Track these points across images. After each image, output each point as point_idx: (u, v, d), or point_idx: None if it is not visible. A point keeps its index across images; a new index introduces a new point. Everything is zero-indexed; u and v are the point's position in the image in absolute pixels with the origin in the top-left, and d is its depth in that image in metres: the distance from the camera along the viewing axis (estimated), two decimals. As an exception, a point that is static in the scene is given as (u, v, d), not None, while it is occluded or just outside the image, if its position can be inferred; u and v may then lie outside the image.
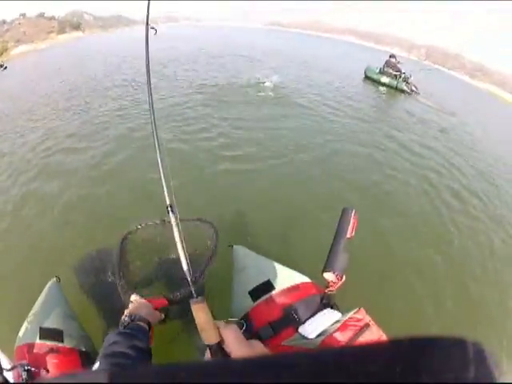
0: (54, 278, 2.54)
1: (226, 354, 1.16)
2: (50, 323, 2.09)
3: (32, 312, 2.19)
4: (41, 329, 2.02)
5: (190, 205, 4.26)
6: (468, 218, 5.21)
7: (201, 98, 9.24)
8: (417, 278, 3.79)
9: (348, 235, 1.63)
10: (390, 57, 14.36)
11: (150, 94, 1.76)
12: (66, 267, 3.31)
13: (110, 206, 4.51)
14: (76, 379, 0.38)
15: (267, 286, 2.03)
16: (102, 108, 8.32)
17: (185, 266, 1.47)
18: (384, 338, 1.53)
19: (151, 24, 1.96)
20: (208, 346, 1.19)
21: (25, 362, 1.75)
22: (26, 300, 2.34)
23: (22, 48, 42.99)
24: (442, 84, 25.39)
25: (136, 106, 8.37)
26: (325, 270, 1.61)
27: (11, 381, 1.66)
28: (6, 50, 42.57)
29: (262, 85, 10.83)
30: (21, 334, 2.05)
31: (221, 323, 1.20)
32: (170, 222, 2.41)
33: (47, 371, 1.77)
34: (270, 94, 10.04)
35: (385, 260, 3.96)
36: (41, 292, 2.37)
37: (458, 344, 0.30)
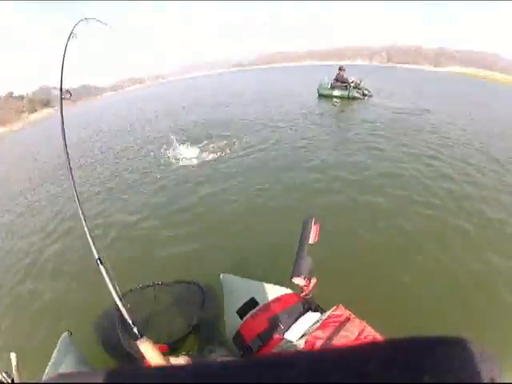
0: (66, 333, 2.67)
1: None
2: (67, 369, 2.19)
3: (50, 363, 2.30)
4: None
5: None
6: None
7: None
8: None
9: (311, 241, 1.78)
10: (339, 69, 14.82)
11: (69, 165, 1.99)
12: (75, 324, 3.44)
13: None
14: (75, 379, 0.39)
15: (252, 303, 2.20)
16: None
17: (123, 309, 1.65)
18: (368, 328, 1.67)
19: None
20: None
21: None
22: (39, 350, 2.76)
23: None
24: (403, 80, 25.92)
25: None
26: (292, 275, 1.74)
27: None
28: None
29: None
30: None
31: (170, 358, 1.23)
32: (159, 283, 3.24)
33: None
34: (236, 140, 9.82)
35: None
36: (55, 345, 2.50)
37: (458, 344, 0.30)
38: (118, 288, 2.00)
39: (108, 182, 8.00)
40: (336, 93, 14.77)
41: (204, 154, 8.65)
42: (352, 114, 12.21)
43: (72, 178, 2.04)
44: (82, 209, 1.96)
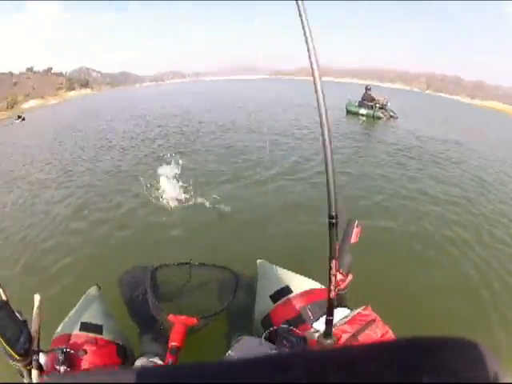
0: (95, 286, 2.76)
1: None
2: (91, 319, 2.24)
3: (73, 310, 2.37)
4: (81, 323, 2.16)
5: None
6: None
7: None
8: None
9: (352, 241, 1.80)
10: (366, 89, 15.60)
11: None
12: (106, 278, 3.61)
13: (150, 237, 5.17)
14: (76, 379, 0.39)
15: (285, 291, 2.32)
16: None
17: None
18: (390, 332, 1.74)
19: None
20: None
21: (63, 346, 1.81)
22: (65, 301, 2.68)
23: (33, 102, 43.79)
24: (435, 107, 25.49)
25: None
26: None
27: (44, 364, 1.70)
28: (17, 103, 43.33)
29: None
30: (59, 328, 2.18)
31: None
32: (196, 263, 3.22)
33: (85, 354, 1.85)
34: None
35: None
36: (81, 296, 2.60)
37: (459, 344, 0.30)
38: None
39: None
40: (362, 111, 15.42)
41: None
42: (375, 133, 12.74)
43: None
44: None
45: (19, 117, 25.53)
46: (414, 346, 0.31)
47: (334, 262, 1.59)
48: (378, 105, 15.12)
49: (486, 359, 0.29)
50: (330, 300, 1.72)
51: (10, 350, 1.45)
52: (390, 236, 5.07)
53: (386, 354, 0.30)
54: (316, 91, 1.44)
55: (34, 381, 1.53)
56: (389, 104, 15.30)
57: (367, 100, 15.49)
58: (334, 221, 1.56)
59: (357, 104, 16.00)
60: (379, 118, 14.92)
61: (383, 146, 10.44)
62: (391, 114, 15.11)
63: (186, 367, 0.34)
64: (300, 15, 1.34)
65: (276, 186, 6.76)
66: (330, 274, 1.62)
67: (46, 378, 1.43)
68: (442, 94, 52.36)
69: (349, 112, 16.24)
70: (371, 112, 15.11)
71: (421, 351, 0.29)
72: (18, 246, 5.34)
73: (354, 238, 1.80)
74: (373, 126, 14.13)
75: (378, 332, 1.70)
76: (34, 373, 1.55)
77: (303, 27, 1.36)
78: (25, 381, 1.57)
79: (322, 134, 1.49)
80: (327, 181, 1.50)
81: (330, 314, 1.72)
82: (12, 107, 40.18)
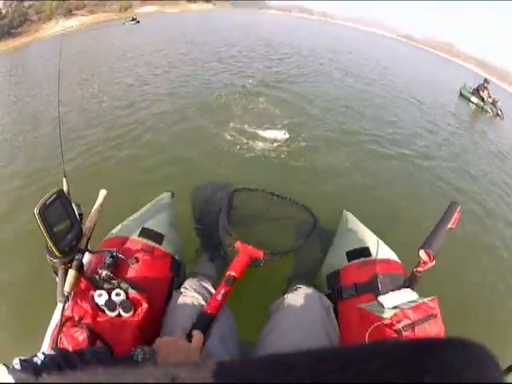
0: (169, 192, 2.58)
1: None
2: (154, 226, 2.09)
3: (137, 213, 2.23)
4: (143, 228, 2.03)
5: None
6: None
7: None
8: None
9: (449, 226, 1.71)
10: (485, 81, 16.47)
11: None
12: (182, 185, 3.65)
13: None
14: (75, 379, 0.38)
15: (364, 252, 2.14)
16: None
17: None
18: (442, 332, 1.60)
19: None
20: None
21: (114, 249, 1.69)
22: (130, 201, 2.73)
23: (149, 8, 43.86)
24: None
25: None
26: (422, 246, 1.68)
27: (86, 265, 1.64)
28: (131, 6, 43.43)
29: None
30: (115, 229, 2.07)
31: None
32: (278, 195, 2.95)
33: (137, 262, 1.72)
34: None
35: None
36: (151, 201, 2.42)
37: (460, 345, 0.31)
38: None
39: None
40: (473, 99, 16.25)
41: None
42: (479, 123, 13.42)
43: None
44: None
45: (133, 19, 26.56)
46: (416, 346, 0.32)
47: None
48: (489, 99, 15.82)
49: (487, 360, 0.30)
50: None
51: (52, 245, 1.32)
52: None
53: (389, 353, 0.32)
54: None
55: (68, 282, 1.40)
56: (499, 103, 15.82)
57: (481, 91, 16.19)
58: None
59: (471, 90, 16.81)
60: (486, 111, 15.54)
61: (483, 140, 10.44)
62: (498, 112, 15.47)
63: (186, 367, 0.35)
64: None
65: (401, 160, 6.61)
66: None
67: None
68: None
69: (461, 95, 17.24)
70: (481, 103, 15.83)
71: (424, 351, 0.30)
72: (108, 134, 5.70)
73: (451, 223, 1.72)
74: (479, 115, 14.87)
75: (433, 329, 1.56)
76: (72, 273, 1.41)
77: None
78: (57, 280, 1.44)
79: None
80: None
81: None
82: (126, 10, 41.42)
